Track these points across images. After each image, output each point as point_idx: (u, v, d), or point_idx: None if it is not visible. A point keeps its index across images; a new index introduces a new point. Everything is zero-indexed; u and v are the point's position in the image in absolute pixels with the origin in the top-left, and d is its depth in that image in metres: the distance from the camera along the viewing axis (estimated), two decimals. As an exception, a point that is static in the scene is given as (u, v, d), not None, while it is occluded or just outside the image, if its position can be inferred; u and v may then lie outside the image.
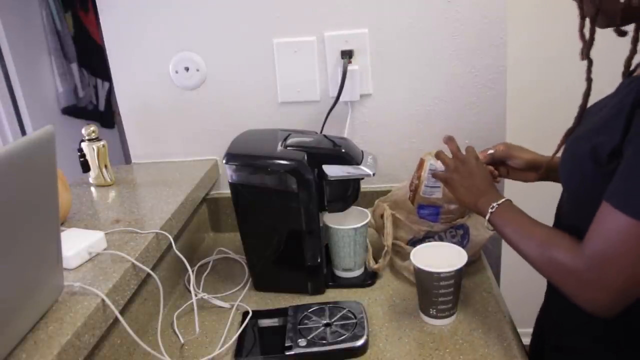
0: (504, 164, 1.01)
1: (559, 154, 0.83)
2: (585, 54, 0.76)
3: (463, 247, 1.00)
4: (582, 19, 0.75)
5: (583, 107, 0.80)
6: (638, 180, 0.63)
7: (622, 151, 0.66)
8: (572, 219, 0.79)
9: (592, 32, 0.74)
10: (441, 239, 1.05)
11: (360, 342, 0.85)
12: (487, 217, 0.85)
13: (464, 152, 0.96)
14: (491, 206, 0.85)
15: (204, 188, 1.24)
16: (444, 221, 1.05)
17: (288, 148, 0.97)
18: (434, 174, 0.99)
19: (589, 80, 0.78)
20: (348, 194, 1.01)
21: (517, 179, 1.01)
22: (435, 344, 0.86)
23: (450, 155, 0.96)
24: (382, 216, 1.07)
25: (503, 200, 0.86)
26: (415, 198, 1.05)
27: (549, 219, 0.84)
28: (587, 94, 0.79)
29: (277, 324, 0.93)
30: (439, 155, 0.97)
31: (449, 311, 0.90)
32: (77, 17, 2.24)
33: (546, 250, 0.74)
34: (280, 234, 1.00)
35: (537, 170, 0.98)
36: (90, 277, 0.79)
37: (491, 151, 1.01)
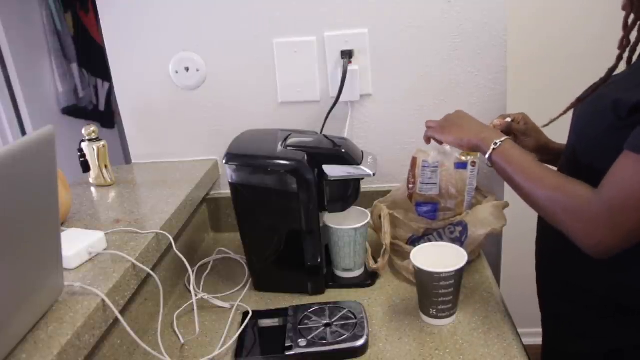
0: (517, 137, 1.02)
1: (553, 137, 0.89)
2: (626, 37, 0.81)
3: (462, 243, 1.00)
4: (628, 14, 0.80)
5: (605, 79, 0.84)
6: None
7: None
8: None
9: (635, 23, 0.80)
10: (440, 236, 1.05)
11: (360, 342, 0.85)
12: (488, 153, 0.83)
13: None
14: (494, 142, 0.83)
15: (204, 188, 1.24)
16: (443, 218, 1.05)
17: (288, 148, 0.97)
18: (428, 123, 0.99)
19: (620, 58, 0.83)
20: (348, 194, 1.01)
21: None
22: (435, 344, 0.86)
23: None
24: (380, 217, 1.07)
25: (506, 138, 0.84)
26: (412, 196, 1.05)
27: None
28: (613, 69, 0.84)
29: (277, 324, 0.92)
30: (427, 123, 1.00)
31: (449, 311, 0.90)
32: (77, 17, 2.24)
33: (557, 192, 0.74)
34: (280, 234, 1.00)
35: (544, 154, 1.00)
36: (91, 277, 0.79)
37: (509, 119, 1.01)
